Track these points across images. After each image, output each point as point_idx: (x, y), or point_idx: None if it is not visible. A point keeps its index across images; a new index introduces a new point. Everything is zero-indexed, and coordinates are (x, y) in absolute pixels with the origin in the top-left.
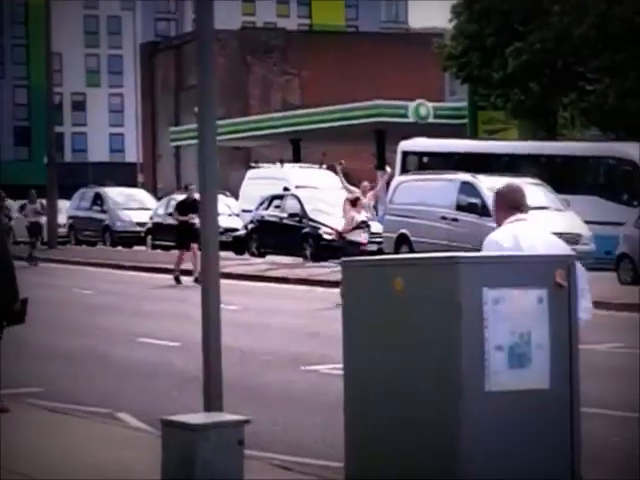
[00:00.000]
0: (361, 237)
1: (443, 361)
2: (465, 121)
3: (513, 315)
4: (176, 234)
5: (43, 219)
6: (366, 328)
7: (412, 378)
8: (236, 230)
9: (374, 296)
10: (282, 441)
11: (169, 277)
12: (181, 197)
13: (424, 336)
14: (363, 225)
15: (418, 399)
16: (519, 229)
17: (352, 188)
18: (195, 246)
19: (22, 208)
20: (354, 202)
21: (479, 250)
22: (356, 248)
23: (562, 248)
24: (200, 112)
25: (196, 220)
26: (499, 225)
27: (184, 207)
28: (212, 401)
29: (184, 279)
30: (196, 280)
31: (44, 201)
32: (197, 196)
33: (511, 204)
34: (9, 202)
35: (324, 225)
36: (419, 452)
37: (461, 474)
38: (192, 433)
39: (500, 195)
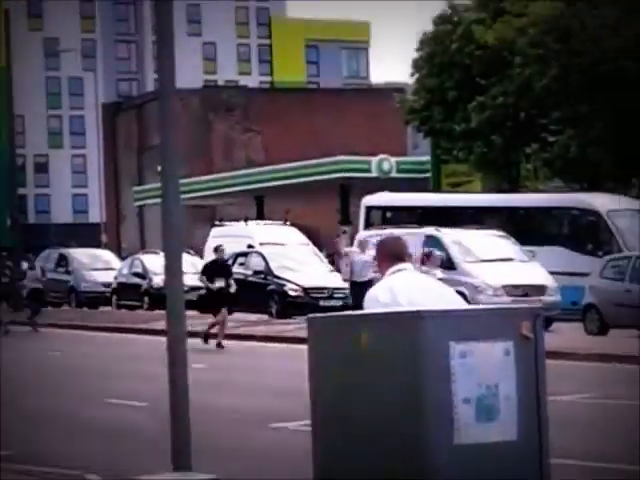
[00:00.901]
0: None
1: (411, 415)
2: (428, 175)
3: (480, 368)
4: (208, 298)
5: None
6: (332, 383)
7: (380, 432)
8: (201, 288)
9: (340, 352)
10: None
11: (136, 337)
12: (147, 257)
13: (391, 390)
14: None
15: (386, 453)
16: (397, 282)
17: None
18: (224, 311)
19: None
20: None
21: None
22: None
23: (450, 298)
24: (163, 171)
25: (233, 286)
26: (382, 276)
27: (213, 270)
28: (180, 459)
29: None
30: (218, 345)
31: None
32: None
33: (393, 254)
34: None
35: (289, 282)
36: None
37: None
38: None
39: (381, 245)
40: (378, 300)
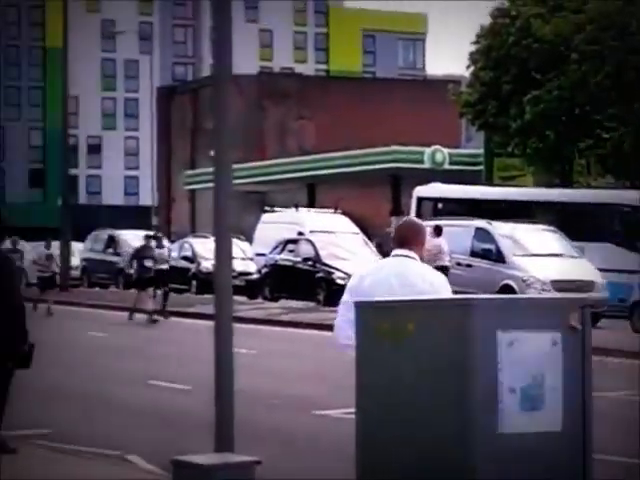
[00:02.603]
0: None
1: (456, 404)
2: (481, 167)
3: (527, 358)
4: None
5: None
6: (378, 370)
7: (424, 421)
8: (250, 274)
9: (387, 338)
10: None
11: (181, 320)
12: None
13: (436, 379)
14: None
15: (431, 441)
16: (372, 267)
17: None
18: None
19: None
20: None
21: None
22: None
23: (436, 283)
24: (216, 156)
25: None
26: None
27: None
28: (223, 442)
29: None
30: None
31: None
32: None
33: (398, 239)
34: (22, 244)
35: (338, 270)
36: None
37: None
38: (203, 474)
39: (395, 229)
40: (349, 284)
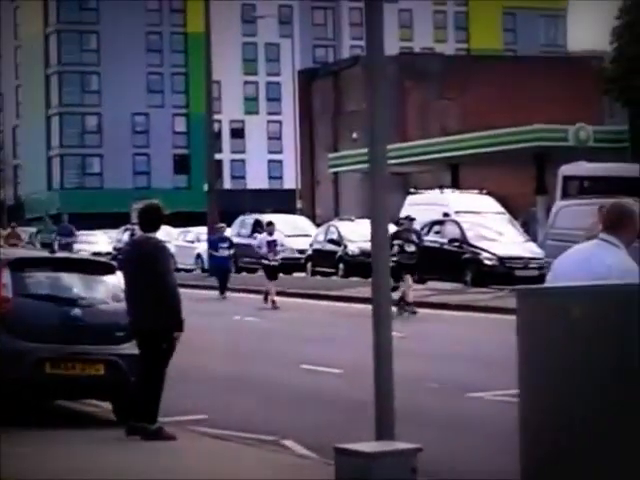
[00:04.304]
0: None
1: (622, 390)
2: (626, 144)
3: None
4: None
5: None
6: (542, 355)
7: (589, 407)
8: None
9: (551, 324)
10: (452, 468)
11: (330, 303)
12: (343, 223)
13: (602, 365)
14: None
15: (595, 427)
16: (571, 250)
17: None
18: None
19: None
20: None
21: None
22: None
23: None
24: (370, 139)
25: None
26: None
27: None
28: (384, 429)
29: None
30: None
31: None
32: None
33: (603, 223)
34: (168, 229)
35: (485, 250)
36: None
37: None
38: (367, 461)
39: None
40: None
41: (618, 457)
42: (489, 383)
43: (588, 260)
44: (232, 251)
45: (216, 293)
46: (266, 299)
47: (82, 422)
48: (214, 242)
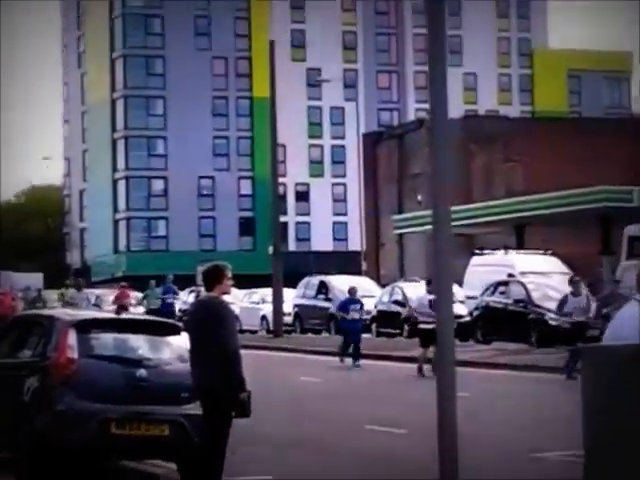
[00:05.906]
0: None
1: None
2: None
3: None
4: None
5: None
6: (608, 414)
7: None
8: (461, 317)
9: (614, 382)
10: None
11: (395, 364)
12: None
13: None
14: None
15: None
16: (624, 309)
17: None
18: None
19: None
20: None
21: None
22: None
23: None
24: (434, 201)
25: None
26: None
27: None
28: None
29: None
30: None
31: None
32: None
33: (637, 282)
34: (234, 291)
35: (550, 311)
36: None
37: None
38: None
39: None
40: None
41: None
42: (557, 442)
43: (634, 318)
44: (364, 315)
45: (284, 354)
46: (420, 369)
47: None
48: (344, 304)
